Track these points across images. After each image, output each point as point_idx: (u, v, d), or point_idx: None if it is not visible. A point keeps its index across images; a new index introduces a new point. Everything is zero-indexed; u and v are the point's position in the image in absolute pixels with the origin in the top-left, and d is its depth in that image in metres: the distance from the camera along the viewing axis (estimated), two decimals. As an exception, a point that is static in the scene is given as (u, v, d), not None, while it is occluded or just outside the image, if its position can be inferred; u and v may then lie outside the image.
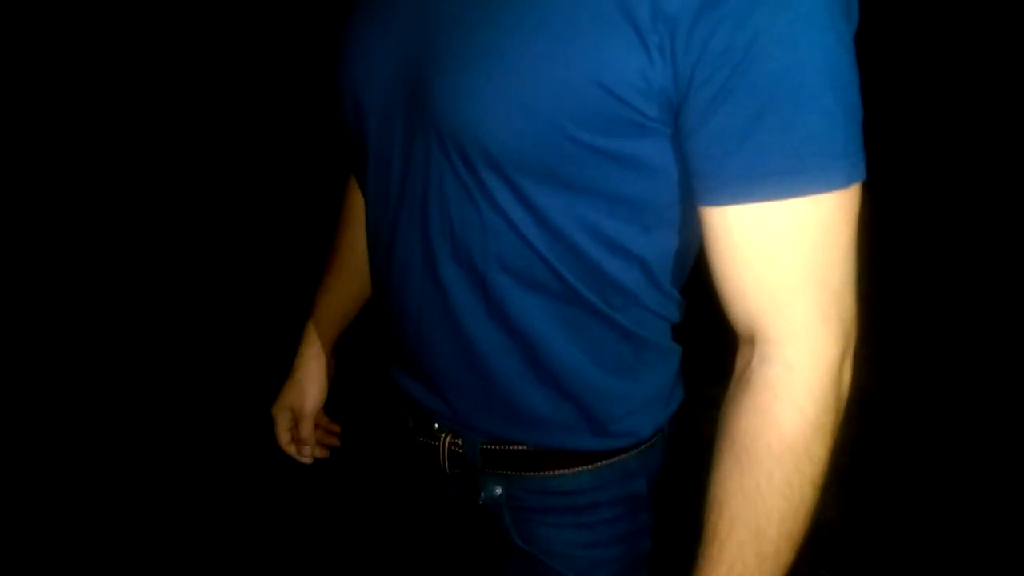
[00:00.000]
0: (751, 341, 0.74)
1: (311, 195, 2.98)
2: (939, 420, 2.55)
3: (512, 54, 0.71)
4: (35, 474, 2.22)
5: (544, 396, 0.86)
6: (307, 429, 1.17)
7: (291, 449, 1.19)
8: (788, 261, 0.69)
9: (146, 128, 3.59)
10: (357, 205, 1.08)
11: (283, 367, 1.19)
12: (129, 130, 3.56)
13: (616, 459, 0.89)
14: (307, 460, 1.19)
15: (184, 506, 2.16)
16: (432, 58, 0.76)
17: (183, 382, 2.61)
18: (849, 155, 0.68)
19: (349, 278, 1.13)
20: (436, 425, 0.93)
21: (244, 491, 2.20)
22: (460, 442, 0.91)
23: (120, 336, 2.79)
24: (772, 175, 0.67)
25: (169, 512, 2.14)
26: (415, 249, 0.84)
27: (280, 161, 3.65)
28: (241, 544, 2.06)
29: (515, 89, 0.71)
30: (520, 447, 0.89)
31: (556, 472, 0.89)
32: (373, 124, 0.84)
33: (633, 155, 0.74)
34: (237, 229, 3.36)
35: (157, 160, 3.55)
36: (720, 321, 0.77)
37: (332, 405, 1.20)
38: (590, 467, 0.89)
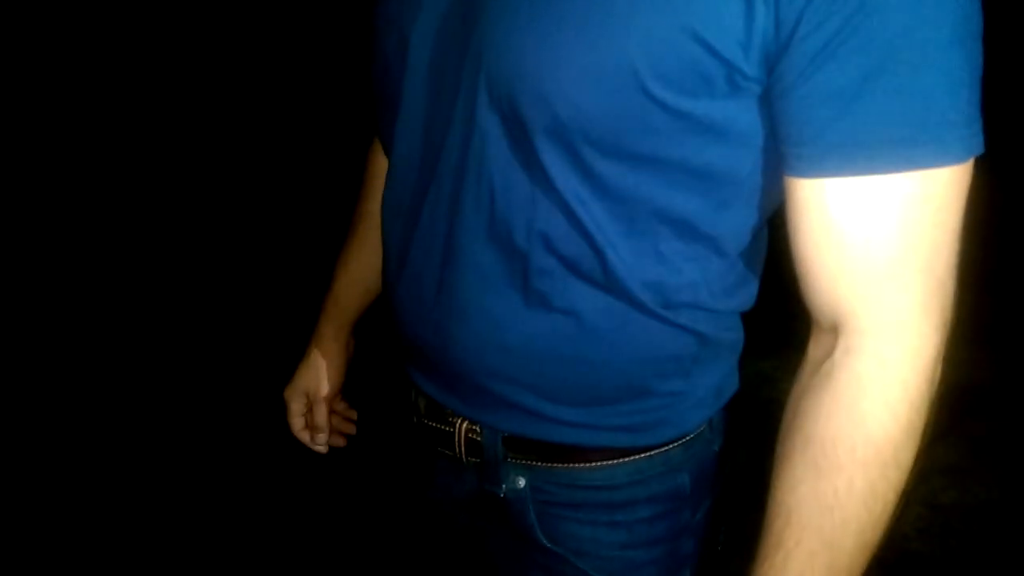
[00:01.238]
0: (834, 330, 0.65)
1: (317, 190, 2.93)
2: None
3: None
4: (35, 474, 2.19)
5: (580, 395, 0.77)
6: (322, 415, 1.08)
7: (304, 436, 1.10)
8: (892, 243, 0.61)
9: (146, 128, 3.59)
10: (381, 171, 0.99)
11: (289, 362, 1.11)
12: (129, 130, 3.56)
13: (656, 451, 0.79)
14: (322, 449, 1.11)
15: (188, 502, 2.10)
16: (486, 4, 0.67)
17: (187, 377, 2.55)
18: (971, 122, 0.60)
19: (372, 250, 1.03)
20: (451, 410, 0.83)
21: (249, 486, 2.13)
22: (478, 428, 0.82)
23: (124, 331, 2.76)
24: (884, 144, 0.58)
25: (173, 508, 2.08)
26: (441, 223, 0.76)
27: (283, 155, 3.62)
28: (246, 540, 2.00)
29: (589, 37, 0.62)
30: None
31: (589, 465, 0.79)
32: (415, 68, 0.75)
33: (718, 119, 0.65)
34: (241, 224, 3.33)
35: (158, 158, 3.54)
36: (779, 285, 0.68)
37: (350, 389, 1.12)
38: (627, 460, 0.79)
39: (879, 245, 0.61)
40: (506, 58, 0.66)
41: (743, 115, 0.65)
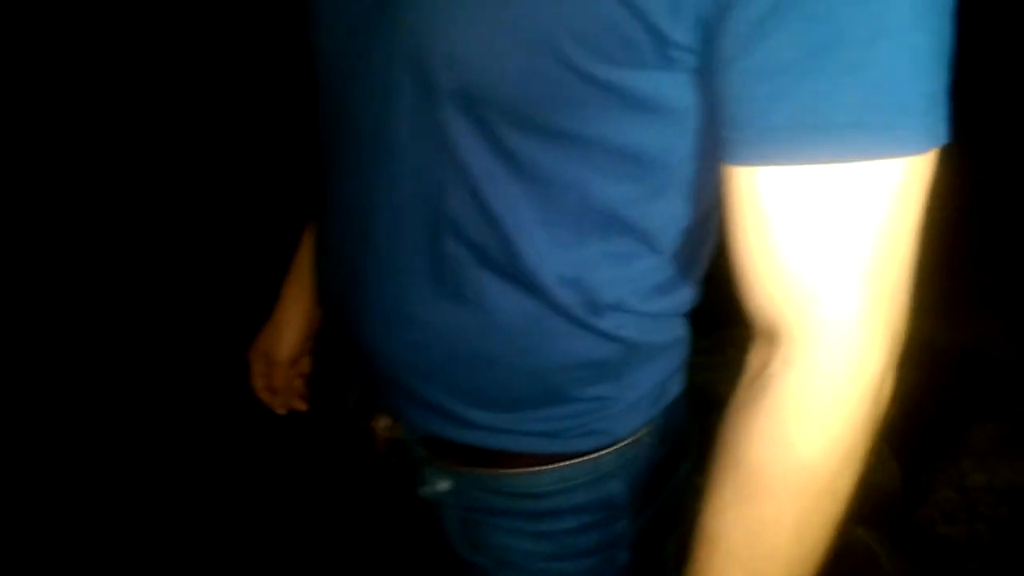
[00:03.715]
0: (771, 338, 0.57)
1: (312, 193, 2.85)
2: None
3: None
4: (32, 473, 2.20)
5: (495, 398, 0.71)
6: (279, 377, 1.05)
7: (265, 396, 1.07)
8: (836, 242, 0.53)
9: (146, 128, 3.55)
10: None
11: None
12: (129, 130, 3.53)
13: (584, 458, 0.73)
14: (280, 411, 1.08)
15: (184, 501, 2.08)
16: None
17: (185, 377, 2.55)
18: (934, 109, 0.51)
19: None
20: (375, 406, 0.78)
21: (245, 484, 2.10)
22: (400, 427, 0.77)
23: (119, 333, 2.76)
24: (831, 129, 0.50)
25: (170, 508, 2.06)
26: (358, 198, 0.70)
27: (279, 158, 3.56)
28: (242, 538, 1.97)
29: None
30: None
31: (511, 471, 0.73)
32: (326, 30, 0.69)
33: (648, 93, 0.57)
34: (238, 226, 3.29)
35: (156, 159, 3.52)
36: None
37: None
38: (551, 467, 0.73)
39: (824, 244, 0.53)
40: (411, 16, 0.58)
41: (677, 91, 0.57)
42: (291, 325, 1.03)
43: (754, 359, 0.60)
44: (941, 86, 0.52)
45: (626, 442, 0.74)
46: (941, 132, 0.52)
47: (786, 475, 0.56)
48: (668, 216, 0.65)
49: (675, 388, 0.76)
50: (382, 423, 0.78)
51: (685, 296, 0.71)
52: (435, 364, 0.70)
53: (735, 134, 0.54)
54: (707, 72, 0.54)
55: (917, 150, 0.51)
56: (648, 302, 0.68)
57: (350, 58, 0.67)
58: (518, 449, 0.72)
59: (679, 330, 0.73)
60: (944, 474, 1.88)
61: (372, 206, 0.68)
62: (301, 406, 1.08)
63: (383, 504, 0.85)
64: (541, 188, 0.62)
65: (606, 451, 0.73)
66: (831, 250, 0.53)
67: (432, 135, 0.62)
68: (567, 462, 0.73)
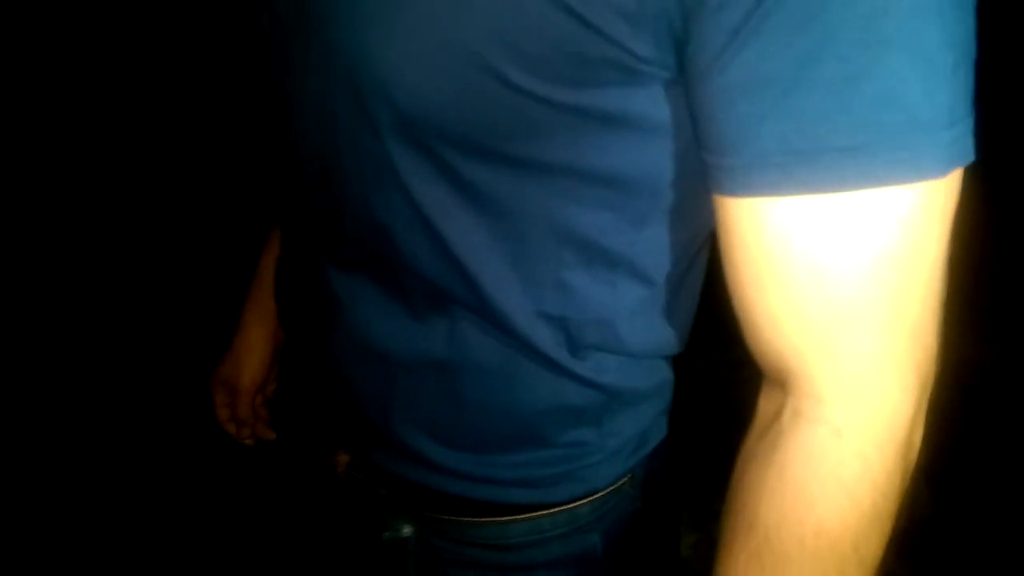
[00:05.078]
0: (783, 385, 0.51)
1: None
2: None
3: None
4: (30, 473, 2.17)
5: (464, 439, 0.65)
6: (243, 406, 0.98)
7: (230, 428, 1.01)
8: (848, 281, 0.46)
9: (145, 128, 3.51)
10: None
11: None
12: (129, 130, 3.49)
13: (559, 509, 0.67)
14: (248, 442, 1.02)
15: (180, 502, 2.04)
16: None
17: (184, 377, 2.51)
18: (954, 124, 0.43)
19: None
20: (333, 442, 0.72)
21: (240, 487, 2.07)
22: (360, 464, 0.70)
23: (117, 336, 2.73)
24: (829, 154, 0.43)
25: (167, 508, 2.03)
26: (314, 222, 0.64)
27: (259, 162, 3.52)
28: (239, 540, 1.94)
29: (428, 11, 0.48)
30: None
31: (482, 519, 0.67)
32: (268, 48, 0.62)
33: (616, 113, 0.50)
34: (239, 225, 3.24)
35: (156, 160, 3.47)
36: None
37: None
38: (523, 517, 0.67)
39: (831, 283, 0.46)
40: (339, 36, 0.51)
41: (651, 107, 0.50)
42: (254, 351, 0.97)
43: (764, 404, 0.53)
44: (963, 95, 0.44)
45: (604, 492, 0.67)
46: (964, 151, 0.44)
47: (804, 540, 0.49)
48: (657, 246, 0.58)
49: (658, 435, 0.70)
50: (342, 459, 0.72)
51: (673, 335, 0.64)
52: (401, 398, 0.64)
53: (719, 161, 0.46)
54: (682, 83, 0.47)
55: (933, 174, 0.44)
56: (633, 342, 0.61)
57: (287, 76, 0.60)
58: (488, 498, 0.66)
59: (664, 373, 0.67)
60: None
61: (327, 235, 0.62)
62: (269, 435, 1.02)
63: (343, 543, 0.79)
64: (504, 221, 0.55)
65: (583, 501, 0.67)
66: (844, 289, 0.46)
67: (377, 165, 0.55)
68: (541, 512, 0.66)
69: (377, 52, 0.50)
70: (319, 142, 0.58)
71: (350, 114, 0.54)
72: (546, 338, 0.59)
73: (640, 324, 0.61)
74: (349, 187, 0.58)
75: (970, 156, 0.45)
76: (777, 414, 0.51)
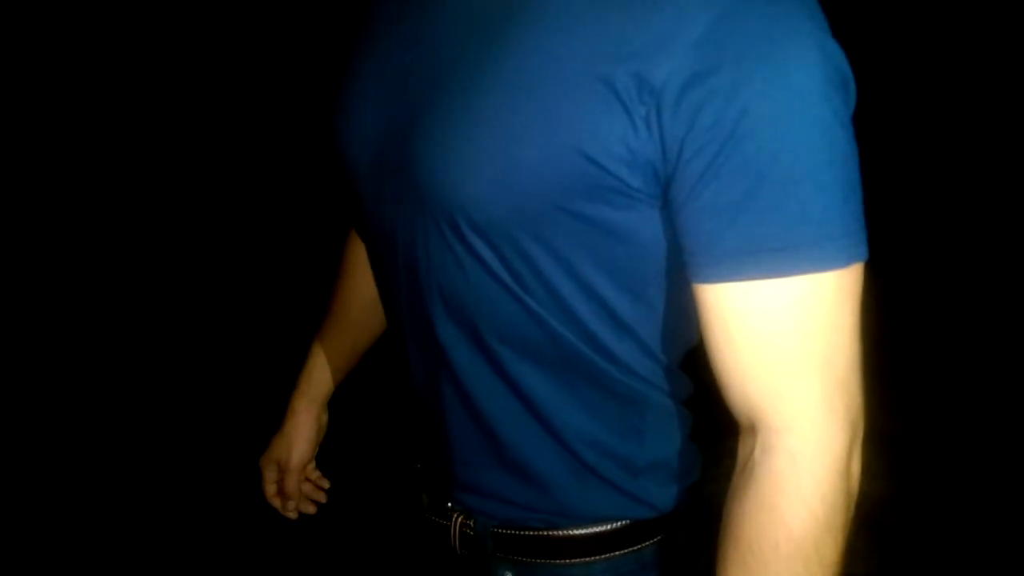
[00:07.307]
0: (753, 430, 0.70)
1: (316, 199, 2.88)
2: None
3: (491, 119, 0.69)
4: (29, 474, 2.19)
5: (553, 456, 0.82)
6: (292, 483, 1.14)
7: (276, 503, 1.16)
8: (786, 343, 0.66)
9: (146, 128, 3.57)
10: (357, 253, 1.07)
11: (287, 364, 1.16)
12: (128, 130, 3.54)
13: (631, 549, 0.84)
14: (292, 515, 1.16)
15: (180, 505, 2.09)
16: (413, 121, 0.74)
17: (183, 379, 2.55)
18: (849, 233, 0.65)
19: (346, 330, 1.11)
20: (449, 504, 0.89)
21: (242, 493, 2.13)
22: (472, 523, 0.87)
23: (120, 339, 2.75)
24: (765, 251, 0.64)
25: (166, 510, 2.07)
26: (416, 309, 0.82)
27: (286, 163, 3.60)
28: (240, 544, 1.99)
29: (494, 155, 0.69)
30: (532, 532, 0.85)
31: (569, 561, 0.84)
32: (365, 184, 0.83)
33: (619, 225, 0.71)
34: (241, 231, 3.32)
35: (159, 161, 3.53)
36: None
37: (328, 459, 1.17)
38: (603, 556, 0.84)
39: (775, 345, 0.66)
40: (429, 174, 0.73)
41: (643, 223, 0.71)
42: (302, 435, 1.13)
43: (742, 449, 0.72)
44: (855, 213, 0.65)
45: (660, 537, 0.85)
46: (859, 251, 0.65)
47: (778, 547, 0.67)
48: (649, 317, 0.78)
49: (693, 470, 0.88)
50: (459, 520, 0.88)
51: (676, 381, 0.84)
52: (499, 443, 0.82)
53: (694, 258, 0.68)
54: (669, 210, 0.69)
55: (839, 266, 0.65)
56: (652, 376, 0.82)
57: (380, 194, 0.81)
58: (575, 512, 0.84)
59: (680, 403, 0.86)
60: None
61: (428, 315, 0.81)
62: (311, 509, 1.17)
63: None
64: (555, 287, 0.75)
65: (647, 544, 0.84)
66: (786, 348, 0.66)
67: (458, 254, 0.75)
68: (615, 552, 0.84)
69: (455, 185, 0.71)
70: (412, 245, 0.78)
71: (439, 226, 0.74)
72: (592, 369, 0.79)
73: (645, 367, 0.80)
74: (438, 277, 0.78)
75: (864, 255, 0.66)
76: (751, 452, 0.70)
